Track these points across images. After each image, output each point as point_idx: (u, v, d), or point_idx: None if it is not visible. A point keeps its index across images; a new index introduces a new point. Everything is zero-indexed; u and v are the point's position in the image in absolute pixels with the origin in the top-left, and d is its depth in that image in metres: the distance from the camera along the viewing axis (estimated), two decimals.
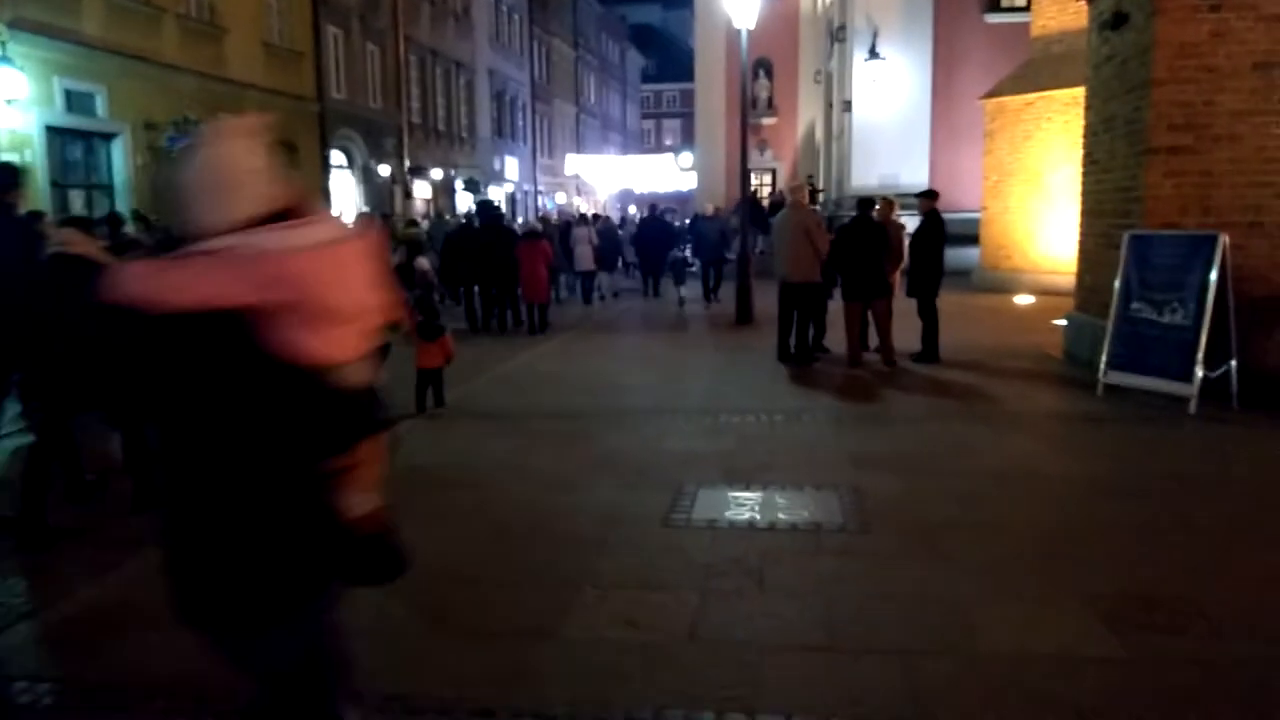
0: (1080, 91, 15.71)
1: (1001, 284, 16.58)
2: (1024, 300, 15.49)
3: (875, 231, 9.80)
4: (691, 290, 17.37)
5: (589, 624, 3.88)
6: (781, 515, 5.14)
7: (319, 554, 1.99)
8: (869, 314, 9.81)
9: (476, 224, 15.58)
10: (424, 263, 11.96)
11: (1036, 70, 16.63)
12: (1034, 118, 16.53)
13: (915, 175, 22.03)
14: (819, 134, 31.61)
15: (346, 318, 1.95)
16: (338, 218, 2.25)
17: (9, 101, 13.76)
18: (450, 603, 4.07)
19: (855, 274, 9.73)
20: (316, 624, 2.07)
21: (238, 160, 1.92)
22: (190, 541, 1.96)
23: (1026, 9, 21.57)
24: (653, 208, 20.70)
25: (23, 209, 6.56)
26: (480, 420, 7.80)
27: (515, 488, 5.76)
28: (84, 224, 6.34)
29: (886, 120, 23.33)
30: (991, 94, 17.49)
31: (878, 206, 10.28)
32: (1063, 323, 10.50)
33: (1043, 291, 15.53)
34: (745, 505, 5.29)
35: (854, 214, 10.26)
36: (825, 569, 4.40)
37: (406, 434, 7.24)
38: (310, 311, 1.87)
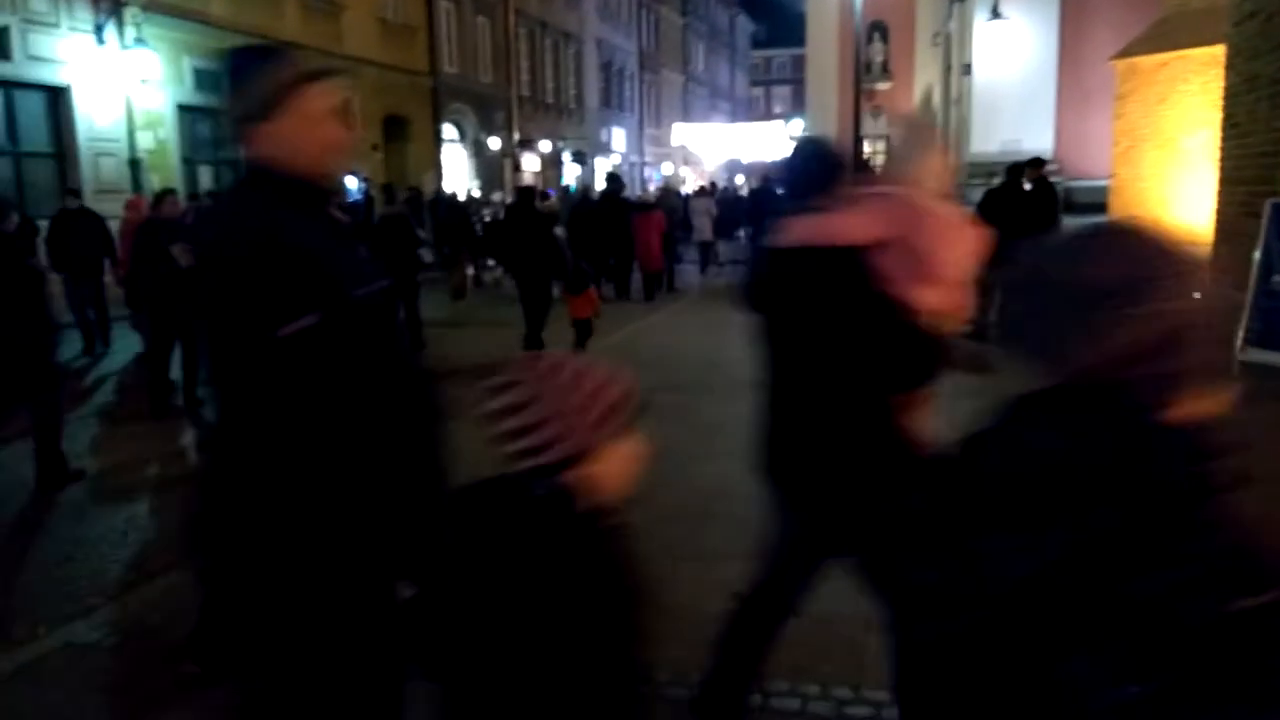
0: (1220, 50, 14.79)
1: None
2: None
3: (1021, 199, 9.36)
4: None
5: (691, 594, 3.85)
6: None
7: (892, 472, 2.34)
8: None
9: (595, 197, 15.89)
10: (560, 231, 12.29)
11: (1172, 28, 15.64)
12: (1169, 79, 15.58)
13: (1039, 141, 21.09)
14: (936, 99, 30.54)
15: (942, 273, 2.35)
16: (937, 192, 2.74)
17: (143, 81, 14.45)
18: None
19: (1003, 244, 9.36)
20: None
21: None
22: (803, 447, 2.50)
23: None
24: (765, 178, 20.36)
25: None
26: None
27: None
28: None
29: (1009, 84, 22.38)
30: (1123, 54, 16.56)
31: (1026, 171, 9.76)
32: (1196, 296, 9.91)
33: None
34: None
35: (1002, 180, 9.78)
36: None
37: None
38: (919, 260, 2.30)
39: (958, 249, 2.48)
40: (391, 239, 9.39)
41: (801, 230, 2.49)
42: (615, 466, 1.55)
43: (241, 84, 1.87)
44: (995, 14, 22.02)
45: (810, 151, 2.75)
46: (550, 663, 1.44)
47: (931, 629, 1.32)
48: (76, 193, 11.24)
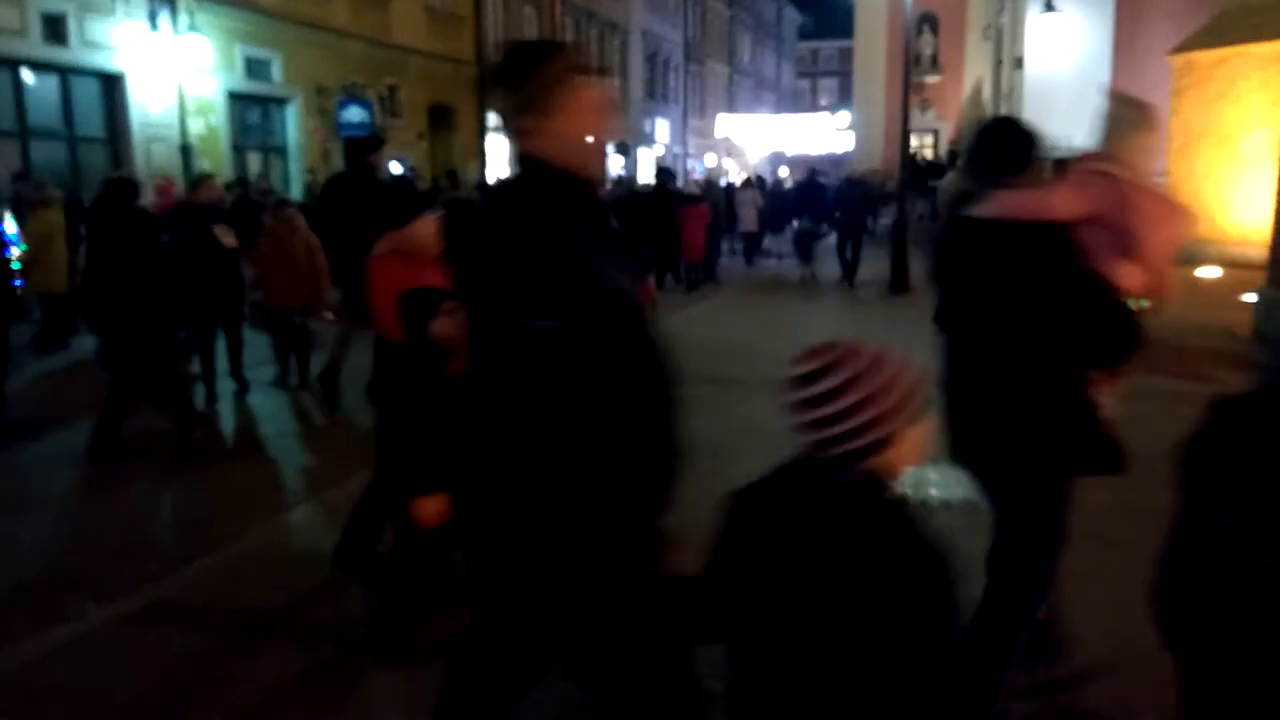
0: None
1: (1185, 255, 15.32)
2: (1209, 273, 14.35)
3: None
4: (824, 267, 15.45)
5: None
6: (934, 492, 5.01)
7: (1079, 441, 2.50)
8: None
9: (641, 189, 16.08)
10: (613, 222, 12.32)
11: (1231, 23, 15.23)
12: (1228, 75, 15.17)
13: (1091, 138, 20.66)
14: (986, 93, 30.05)
15: (1149, 253, 2.48)
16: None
17: (195, 68, 14.66)
18: None
19: None
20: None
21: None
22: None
23: None
24: (812, 171, 20.14)
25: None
26: None
27: None
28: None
29: (1061, 78, 21.92)
30: (1180, 49, 16.15)
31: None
32: (1253, 299, 9.66)
33: (1231, 264, 14.34)
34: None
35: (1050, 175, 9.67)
36: (981, 548, 4.19)
37: None
38: (1127, 239, 2.44)
39: (1166, 230, 2.54)
40: None
41: (1008, 204, 2.51)
42: (911, 451, 1.57)
43: (519, 79, 1.90)
44: (1048, 6, 21.60)
45: (1003, 129, 2.80)
46: (874, 650, 1.46)
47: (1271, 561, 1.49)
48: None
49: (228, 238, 7.05)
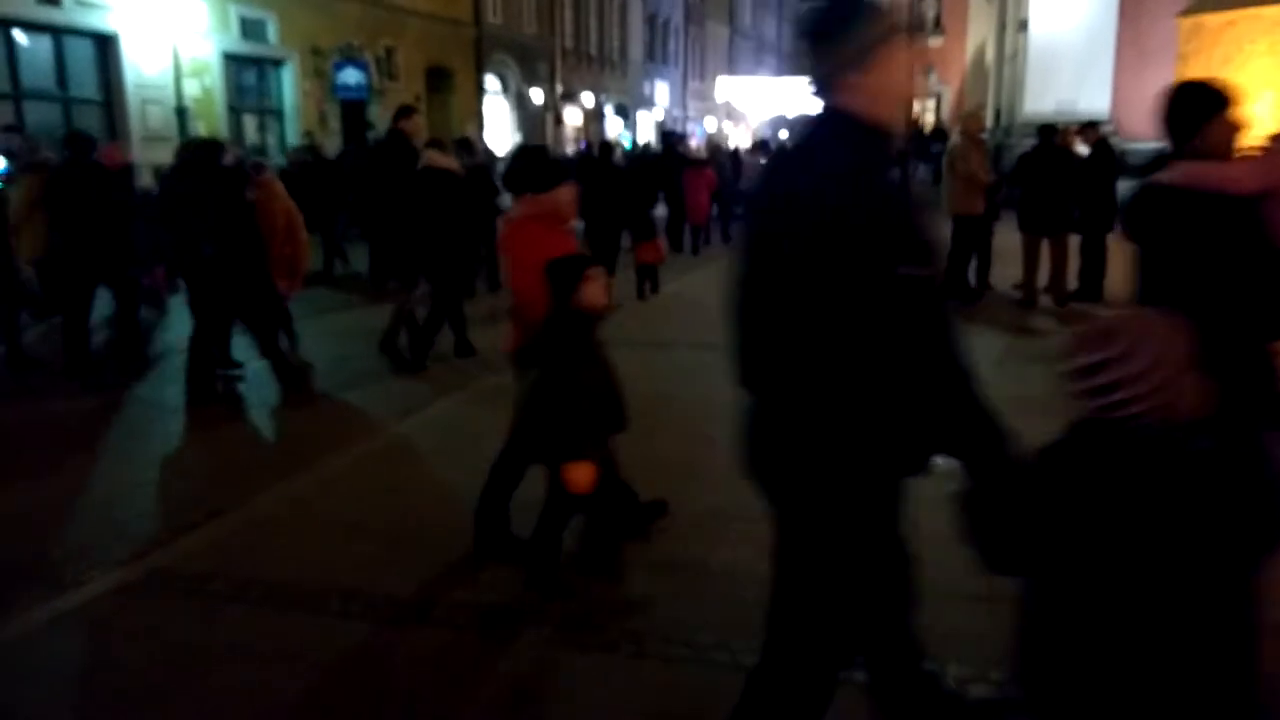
0: None
1: None
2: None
3: (1059, 160, 9.20)
4: None
5: (735, 559, 3.82)
6: (939, 461, 4.94)
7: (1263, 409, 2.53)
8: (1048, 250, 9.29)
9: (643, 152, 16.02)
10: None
11: None
12: (1236, 39, 15.02)
13: (1095, 102, 20.45)
14: (990, 56, 29.70)
15: None
16: None
17: (190, 29, 14.44)
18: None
19: (1034, 206, 9.20)
20: None
21: None
22: None
23: None
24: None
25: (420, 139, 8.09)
26: (632, 348, 7.79)
27: (665, 422, 5.72)
28: (440, 144, 8.37)
29: (1066, 41, 21.66)
30: (1188, 12, 15.97)
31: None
32: None
33: None
34: None
35: (1035, 142, 9.60)
36: None
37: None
38: None
39: None
40: (475, 189, 9.83)
41: (1192, 173, 2.56)
42: (1193, 400, 1.62)
43: (840, 35, 1.93)
44: None
45: (1187, 91, 2.86)
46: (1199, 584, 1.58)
47: None
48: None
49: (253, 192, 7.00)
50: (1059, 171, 9.10)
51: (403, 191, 7.15)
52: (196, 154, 6.61)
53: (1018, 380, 6.55)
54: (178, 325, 8.02)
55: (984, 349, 7.56)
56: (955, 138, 10.04)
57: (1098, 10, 21.51)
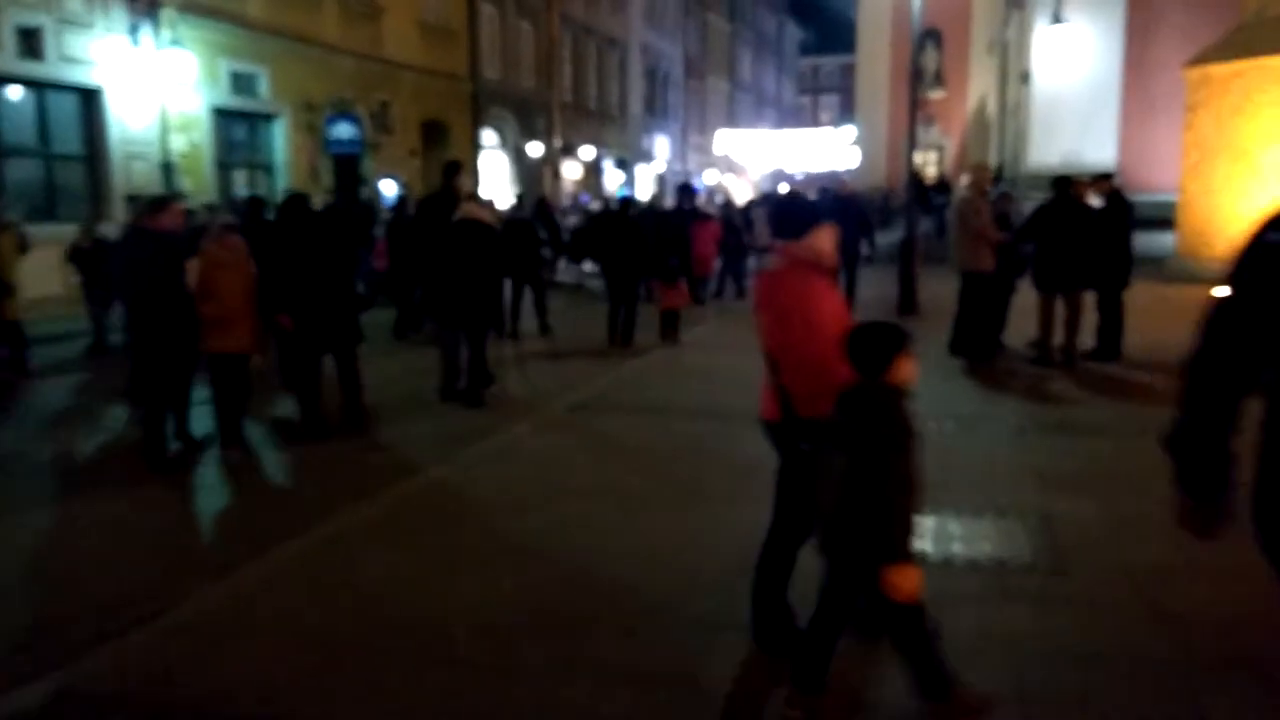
0: None
1: (1201, 274, 14.83)
2: (1228, 292, 13.79)
3: (1076, 215, 8.74)
4: None
5: (732, 676, 3.28)
6: (957, 548, 4.42)
7: None
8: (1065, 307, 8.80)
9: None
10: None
11: (1249, 36, 14.74)
12: (1244, 89, 14.66)
13: (1101, 153, 20.18)
14: (991, 109, 29.62)
15: None
16: None
17: (178, 83, 14.19)
18: (582, 645, 3.55)
19: (1050, 262, 8.73)
20: None
21: None
22: None
23: None
24: (824, 190, 18.95)
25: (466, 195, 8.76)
26: (626, 414, 7.30)
27: (650, 500, 5.20)
28: (478, 198, 8.98)
29: (1070, 92, 21.48)
30: (1195, 62, 15.65)
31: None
32: None
33: None
34: (915, 534, 4.46)
35: (1051, 195, 9.15)
36: (1013, 620, 3.67)
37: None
38: None
39: None
40: (519, 241, 11.23)
41: None
42: None
43: None
44: (1057, 18, 21.18)
45: None
46: None
47: None
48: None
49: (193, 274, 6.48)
50: (1075, 226, 8.66)
51: (444, 241, 7.72)
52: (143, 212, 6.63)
53: (1044, 453, 6.04)
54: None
55: (1002, 416, 7.05)
56: (963, 191, 9.60)
57: (1102, 62, 21.35)
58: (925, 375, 8.28)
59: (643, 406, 7.72)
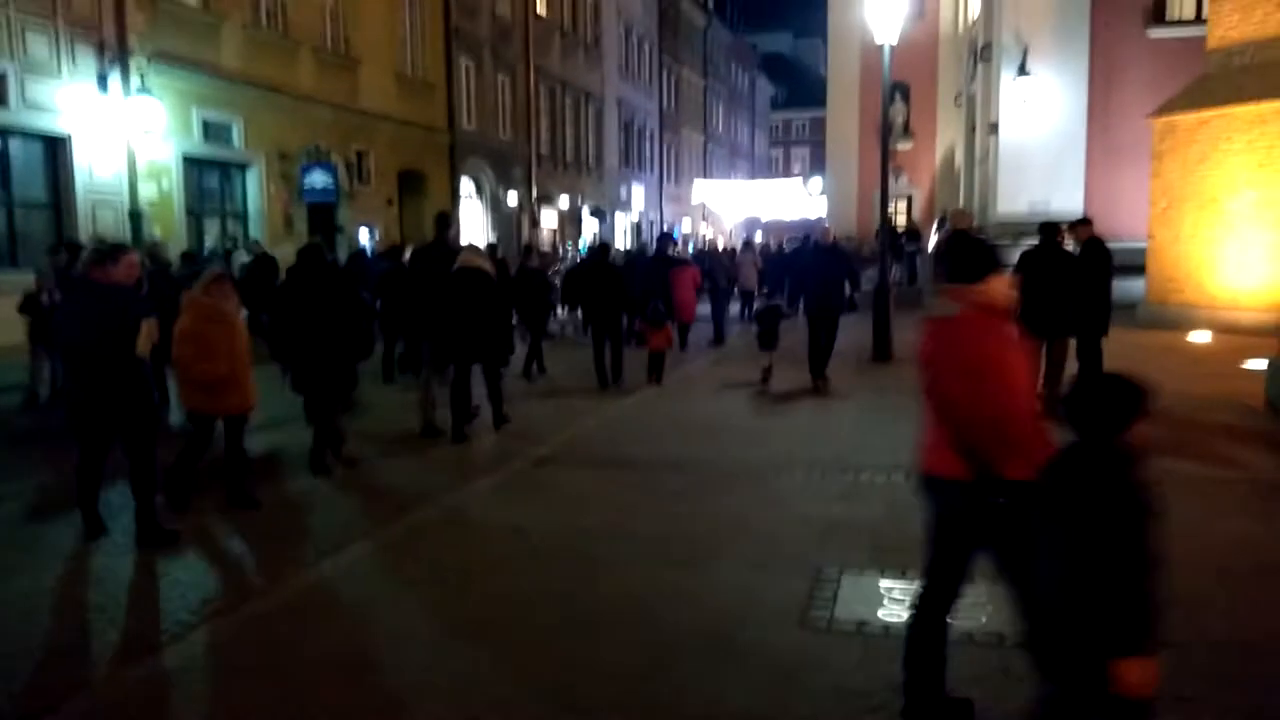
0: (1268, 107, 14.24)
1: (1171, 320, 14.96)
2: (1200, 338, 13.89)
3: (1060, 260, 8.72)
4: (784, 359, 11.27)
5: None
6: (950, 619, 4.22)
7: None
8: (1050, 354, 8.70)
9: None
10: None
11: (1214, 85, 15.04)
12: (1210, 137, 14.92)
13: (1068, 201, 20.43)
14: (959, 159, 30.05)
15: None
16: None
17: (147, 131, 14.05)
18: None
19: (1037, 308, 8.67)
20: None
21: None
22: None
23: (1194, 22, 19.94)
24: (806, 238, 18.16)
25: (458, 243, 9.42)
26: (592, 468, 7.13)
27: (620, 561, 5.00)
28: (475, 248, 9.07)
29: (1037, 142, 21.79)
30: (1160, 112, 15.93)
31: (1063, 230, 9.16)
32: (1261, 366, 9.10)
33: (1222, 329, 13.90)
34: (902, 601, 4.28)
35: (1040, 240, 9.10)
36: (1022, 703, 3.45)
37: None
38: None
39: None
40: (531, 291, 12.19)
41: None
42: None
43: None
44: (1023, 70, 21.57)
45: None
46: None
47: None
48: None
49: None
50: (1059, 271, 8.62)
51: (442, 290, 8.14)
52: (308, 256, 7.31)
53: None
54: None
55: None
56: (937, 234, 9.59)
57: (1067, 112, 21.71)
58: (902, 426, 8.25)
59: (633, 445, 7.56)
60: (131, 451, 5.53)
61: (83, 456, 5.56)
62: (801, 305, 11.13)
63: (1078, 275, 8.70)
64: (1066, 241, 9.15)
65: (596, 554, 5.13)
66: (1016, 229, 18.69)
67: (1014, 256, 9.62)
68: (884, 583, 4.57)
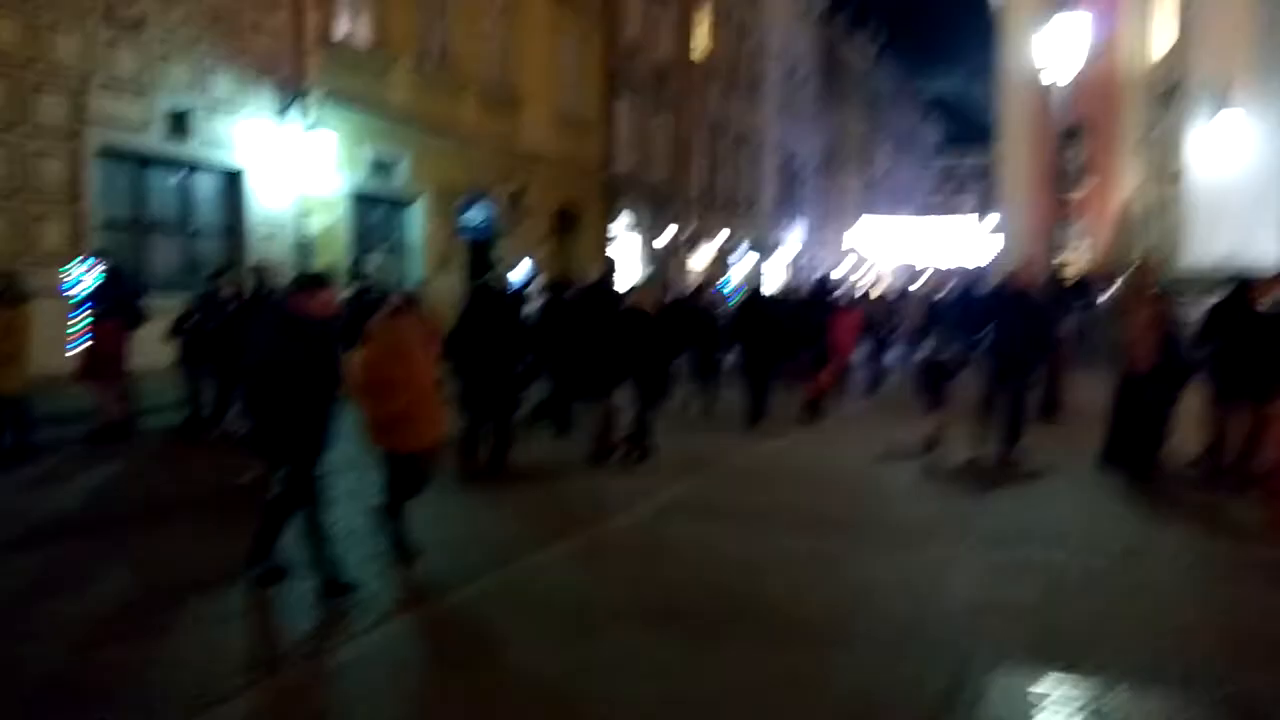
0: None
1: None
2: None
3: (1257, 319, 7.81)
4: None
5: None
6: None
7: None
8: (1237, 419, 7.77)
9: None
10: None
11: None
12: None
13: (1267, 249, 18.69)
14: (1140, 205, 28.17)
15: None
16: None
17: (318, 166, 14.70)
18: None
19: (1232, 369, 7.78)
20: None
21: None
22: None
23: None
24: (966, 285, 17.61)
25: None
26: (713, 519, 6.73)
27: (732, 638, 4.53)
28: (639, 290, 9.80)
29: (1229, 188, 20.11)
30: None
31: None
32: None
33: None
34: (1064, 708, 3.68)
35: (1229, 292, 8.21)
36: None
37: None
38: None
39: None
40: (694, 323, 12.19)
41: None
42: None
43: None
44: (1218, 110, 19.98)
45: None
46: None
47: None
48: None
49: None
50: (1260, 329, 7.70)
51: (607, 327, 8.93)
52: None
53: (1226, 604, 5.09)
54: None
55: (1168, 550, 6.06)
56: (1118, 289, 8.75)
57: (1263, 154, 19.94)
58: (1073, 494, 7.49)
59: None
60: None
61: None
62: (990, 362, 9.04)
63: (1272, 334, 7.73)
64: (1261, 300, 8.17)
65: (702, 625, 4.65)
66: (1205, 283, 17.20)
67: (1198, 312, 8.74)
68: (1038, 685, 3.96)
